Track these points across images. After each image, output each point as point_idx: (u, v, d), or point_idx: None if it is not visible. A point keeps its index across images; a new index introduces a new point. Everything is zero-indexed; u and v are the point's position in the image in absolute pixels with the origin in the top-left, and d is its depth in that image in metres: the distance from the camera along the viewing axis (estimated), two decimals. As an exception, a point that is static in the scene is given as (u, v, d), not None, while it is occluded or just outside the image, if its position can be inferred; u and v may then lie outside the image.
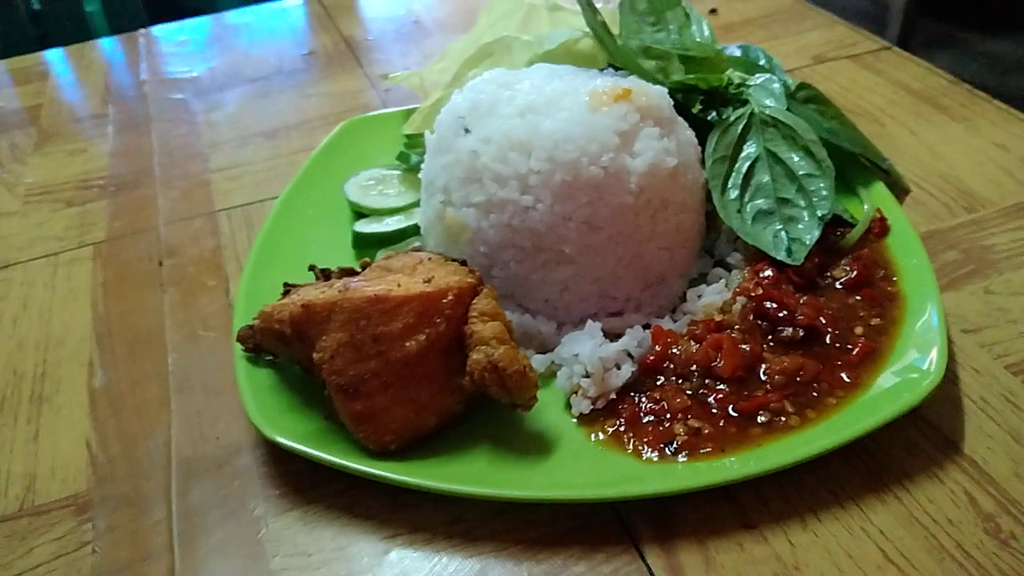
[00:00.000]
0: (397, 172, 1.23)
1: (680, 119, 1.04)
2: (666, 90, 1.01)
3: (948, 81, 1.46)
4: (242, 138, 1.49)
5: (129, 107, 1.64)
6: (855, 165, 1.18)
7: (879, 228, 1.06)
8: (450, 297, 0.83)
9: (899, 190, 1.20)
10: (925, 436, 0.86)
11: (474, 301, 0.86)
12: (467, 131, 0.97)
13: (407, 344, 0.81)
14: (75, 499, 0.88)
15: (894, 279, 1.00)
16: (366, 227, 1.14)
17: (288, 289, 0.95)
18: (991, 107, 1.38)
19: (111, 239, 1.26)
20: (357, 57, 1.74)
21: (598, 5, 1.27)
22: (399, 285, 0.83)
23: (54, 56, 1.90)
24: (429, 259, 0.90)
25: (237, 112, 1.58)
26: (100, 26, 3.05)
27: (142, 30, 1.98)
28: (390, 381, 0.82)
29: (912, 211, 1.17)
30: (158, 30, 1.97)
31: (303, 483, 0.86)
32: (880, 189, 1.13)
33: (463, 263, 0.91)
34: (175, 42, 1.92)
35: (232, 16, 2.05)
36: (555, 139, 0.91)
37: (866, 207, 1.09)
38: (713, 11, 1.26)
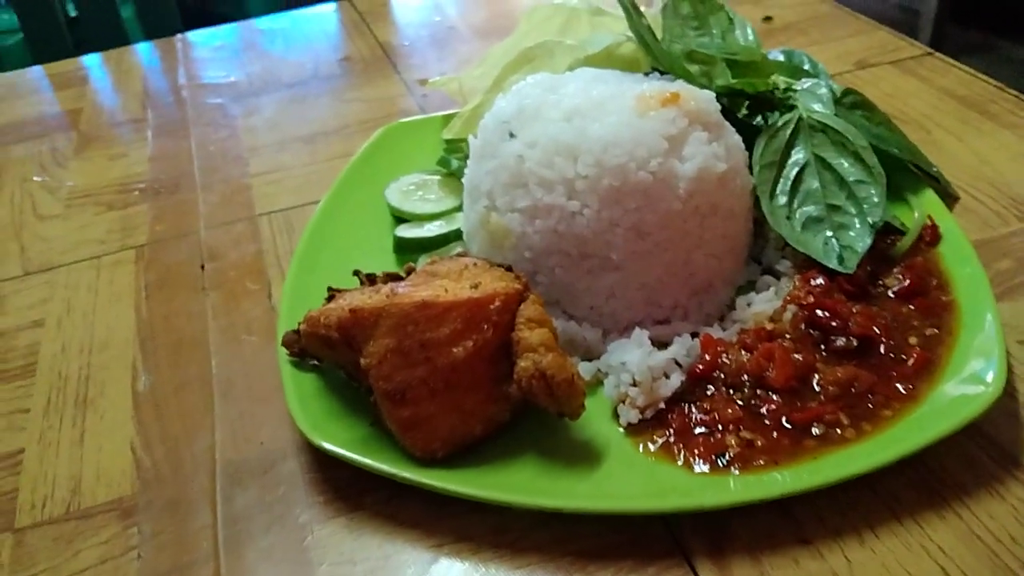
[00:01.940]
0: (437, 177, 1.23)
1: (728, 124, 1.02)
2: (713, 94, 0.99)
3: (994, 87, 1.43)
4: (280, 143, 1.49)
5: (167, 112, 1.65)
6: (903, 172, 1.15)
7: (931, 236, 1.04)
8: (497, 303, 0.82)
9: (949, 197, 1.18)
10: (984, 450, 0.84)
11: (521, 307, 0.85)
12: (512, 135, 0.96)
13: (455, 350, 0.80)
14: (120, 503, 0.88)
15: (948, 288, 0.97)
16: (408, 232, 1.13)
17: (332, 294, 0.94)
18: (1041, 113, 1.35)
19: (153, 242, 1.27)
20: (393, 62, 1.74)
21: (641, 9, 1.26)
22: (446, 291, 0.83)
23: (92, 61, 1.92)
24: (475, 264, 0.90)
25: (275, 117, 1.59)
26: (135, 31, 3.09)
27: (179, 35, 1.99)
28: (437, 388, 0.81)
29: (962, 219, 1.15)
30: (195, 35, 1.99)
31: (348, 490, 0.86)
32: (930, 196, 1.10)
33: (509, 268, 0.90)
34: (211, 47, 1.93)
35: (266, 22, 2.06)
36: (603, 143, 0.90)
37: (916, 215, 1.07)
38: (767, 19, 1.23)
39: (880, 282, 0.98)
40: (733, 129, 1.03)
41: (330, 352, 0.87)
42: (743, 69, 1.08)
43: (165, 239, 1.27)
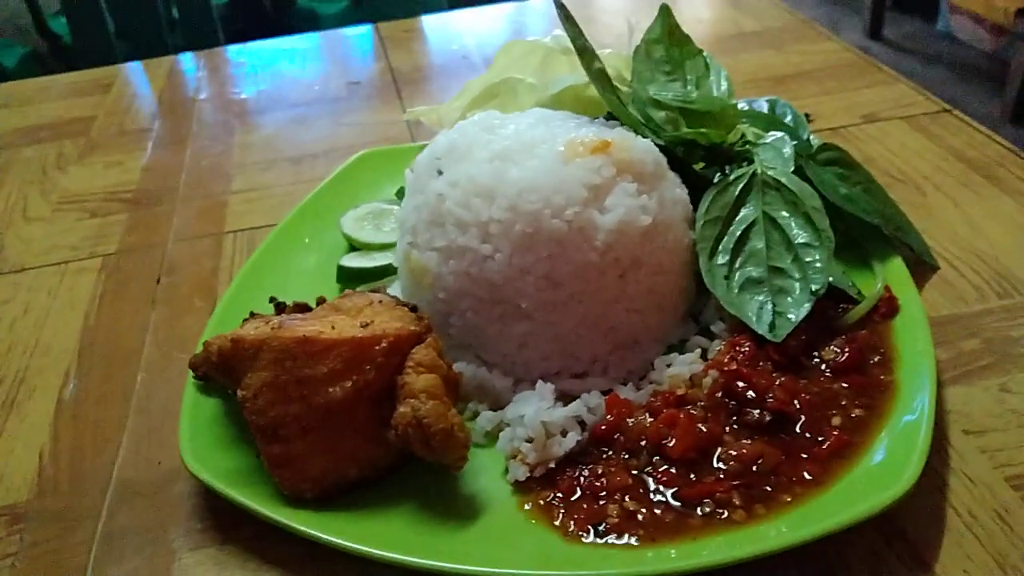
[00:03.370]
0: (395, 207, 1.22)
1: (671, 175, 0.98)
2: (651, 144, 0.95)
3: (1007, 149, 1.34)
4: (268, 161, 1.51)
5: (173, 124, 1.70)
6: (877, 237, 1.08)
7: (886, 308, 0.97)
8: (383, 344, 0.80)
9: (927, 266, 1.10)
10: (893, 550, 0.77)
11: (413, 351, 0.82)
12: (440, 173, 0.94)
13: (331, 390, 0.79)
14: (12, 509, 0.88)
15: (892, 367, 0.90)
16: (351, 261, 1.12)
17: (247, 319, 0.94)
18: (1052, 182, 1.26)
19: (120, 252, 1.29)
20: (398, 89, 1.75)
21: (613, 50, 1.23)
22: (333, 327, 0.81)
23: (121, 71, 1.99)
24: (380, 302, 0.88)
25: (272, 136, 1.61)
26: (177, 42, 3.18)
27: (205, 51, 2.05)
28: (311, 427, 0.79)
29: (937, 290, 1.07)
30: (220, 51, 2.04)
31: (226, 521, 0.84)
32: (897, 265, 1.03)
33: (414, 309, 0.88)
34: (234, 64, 1.98)
35: (294, 41, 2.10)
36: (519, 188, 0.87)
37: (878, 284, 1.00)
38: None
39: (816, 354, 0.92)
40: (677, 181, 0.99)
41: (223, 379, 0.86)
42: (700, 119, 1.03)
43: (132, 250, 1.30)
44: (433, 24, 2.14)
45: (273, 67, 1.94)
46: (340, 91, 1.78)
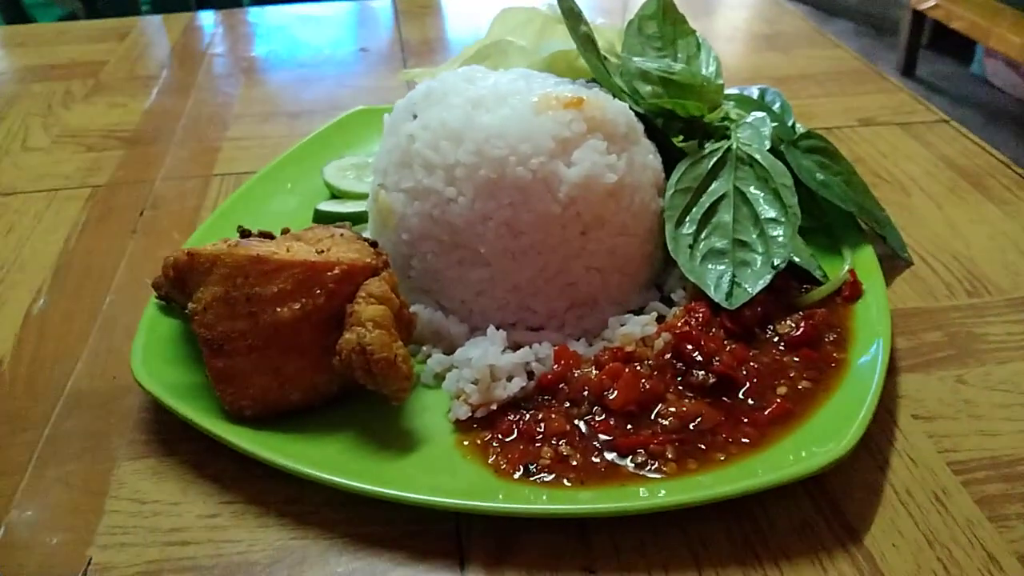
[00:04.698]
0: (380, 161, 1.23)
1: (646, 142, 0.99)
2: (626, 107, 0.96)
3: (999, 161, 1.33)
4: (267, 114, 1.53)
5: (183, 74, 1.72)
6: (852, 226, 1.08)
7: (850, 292, 0.97)
8: (336, 271, 0.81)
9: (901, 261, 1.10)
10: (825, 519, 0.76)
11: (367, 282, 0.83)
12: (415, 117, 0.95)
13: (279, 310, 0.79)
14: (-35, 408, 0.90)
15: (845, 346, 0.90)
16: (328, 206, 1.14)
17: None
18: (1041, 194, 1.25)
19: (110, 185, 1.31)
20: (405, 58, 1.77)
21: (608, 23, 1.24)
22: (288, 250, 0.82)
23: (151, 20, 2.02)
24: (341, 235, 0.89)
25: (274, 91, 1.63)
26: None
27: (226, 10, 2.08)
28: (256, 345, 0.80)
29: (907, 284, 1.07)
30: (241, 12, 2.07)
31: (171, 435, 0.85)
32: (867, 253, 1.03)
33: (374, 244, 0.88)
34: (251, 24, 2.01)
35: (316, 7, 2.13)
36: (487, 133, 0.88)
37: (846, 268, 1.00)
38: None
39: (772, 327, 0.92)
40: (652, 148, 1.00)
41: (178, 294, 0.87)
42: (681, 90, 1.04)
43: (122, 183, 1.32)
44: (452, 3, 2.16)
45: (288, 30, 1.97)
46: (348, 56, 1.80)
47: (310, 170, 1.23)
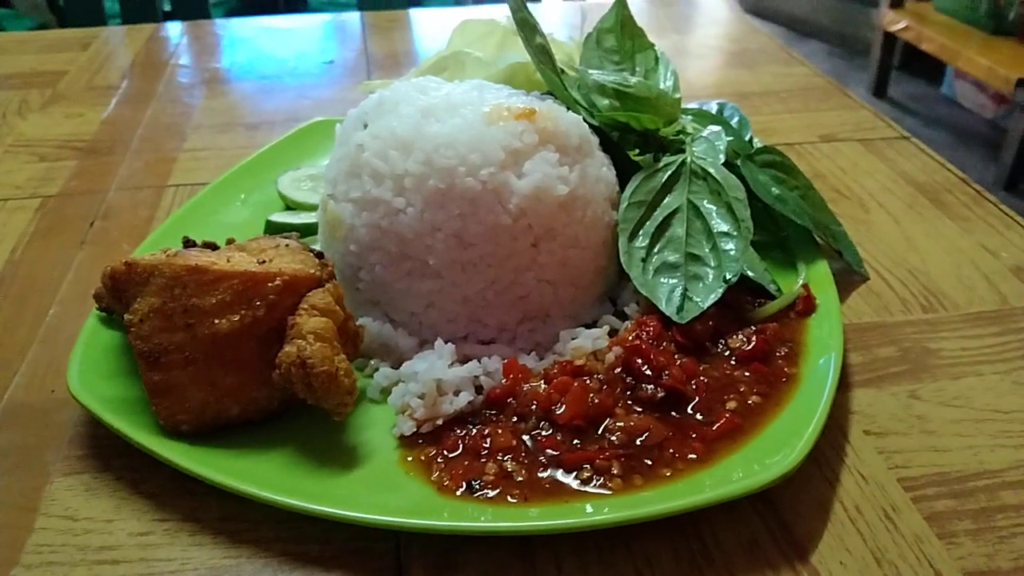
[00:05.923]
0: (336, 173, 1.21)
1: (600, 155, 0.98)
2: (580, 119, 0.95)
3: (958, 178, 1.34)
4: (226, 125, 1.51)
5: (143, 85, 1.70)
6: (807, 241, 1.08)
7: (803, 306, 0.96)
8: (277, 282, 0.79)
9: (857, 276, 1.10)
10: (772, 536, 0.75)
11: (309, 294, 0.81)
12: (365, 126, 0.94)
13: (218, 322, 0.78)
14: (-103, 420, 0.87)
15: (797, 361, 0.89)
16: (280, 217, 1.12)
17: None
18: (995, 211, 1.25)
19: (61, 195, 1.29)
20: (369, 72, 1.76)
21: (567, 38, 1.24)
22: (228, 260, 0.80)
23: (115, 31, 2.00)
24: (287, 245, 0.87)
25: (235, 102, 1.61)
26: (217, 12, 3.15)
27: (193, 22, 2.06)
28: (194, 358, 0.78)
29: (862, 299, 1.06)
30: (218, 23, 2.05)
31: (107, 450, 0.83)
32: (821, 268, 1.03)
33: (320, 255, 0.87)
34: (216, 36, 1.99)
35: (283, 20, 2.12)
36: (437, 143, 0.87)
37: (800, 283, 1.00)
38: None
39: (723, 341, 0.91)
40: (606, 161, 0.99)
41: (116, 305, 0.85)
42: (637, 103, 1.03)
43: (73, 194, 1.29)
44: (420, 18, 2.16)
45: (255, 42, 1.95)
46: (313, 68, 1.78)
47: (265, 182, 1.22)
